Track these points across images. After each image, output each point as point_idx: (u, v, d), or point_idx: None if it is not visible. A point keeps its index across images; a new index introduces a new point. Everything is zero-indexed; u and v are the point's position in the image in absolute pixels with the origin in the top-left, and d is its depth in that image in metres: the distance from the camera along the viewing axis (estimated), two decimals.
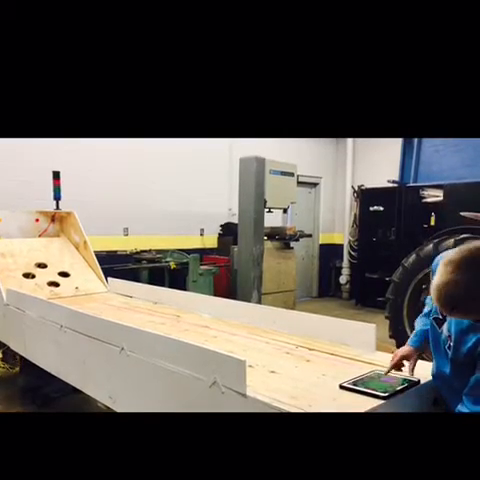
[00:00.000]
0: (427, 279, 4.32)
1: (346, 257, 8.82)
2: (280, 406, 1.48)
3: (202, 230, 7.03)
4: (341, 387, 1.66)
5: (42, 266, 3.97)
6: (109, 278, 4.16)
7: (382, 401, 1.53)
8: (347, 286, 8.84)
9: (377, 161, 8.37)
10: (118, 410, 2.24)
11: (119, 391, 2.23)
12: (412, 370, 1.71)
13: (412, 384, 1.65)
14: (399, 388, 1.60)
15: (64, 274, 3.98)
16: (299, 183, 7.06)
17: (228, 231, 6.87)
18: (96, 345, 2.35)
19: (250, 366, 1.87)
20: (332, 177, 9.16)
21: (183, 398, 1.86)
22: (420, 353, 1.73)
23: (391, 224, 7.52)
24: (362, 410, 1.46)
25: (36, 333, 3.01)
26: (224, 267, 6.31)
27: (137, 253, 5.99)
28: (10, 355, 3.90)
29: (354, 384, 1.65)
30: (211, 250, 6.97)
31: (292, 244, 6.73)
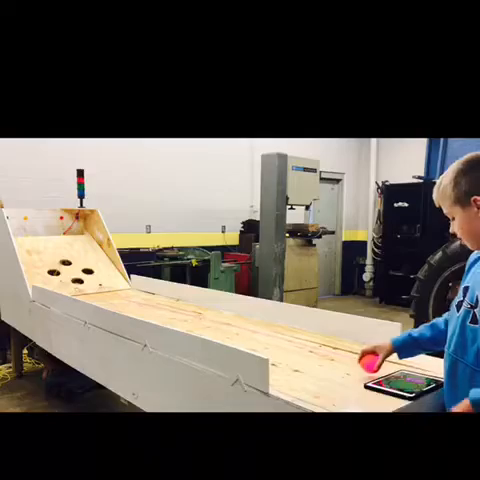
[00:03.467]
0: (454, 277, 4.22)
1: (370, 254, 8.72)
2: (303, 405, 1.46)
3: (223, 227, 7.04)
4: (366, 387, 1.63)
5: (67, 263, 4.03)
6: (132, 275, 4.19)
7: (408, 402, 1.49)
8: (371, 283, 8.74)
9: (402, 156, 8.24)
10: (140, 406, 2.25)
11: (142, 387, 2.24)
12: (379, 366, 1.69)
13: (439, 385, 1.60)
14: (426, 389, 1.56)
15: (88, 271, 4.03)
16: (322, 179, 7.00)
17: (250, 228, 6.86)
18: (119, 342, 2.36)
19: (273, 365, 1.85)
20: (355, 173, 9.05)
21: (205, 396, 1.85)
22: (392, 352, 1.74)
23: (416, 220, 7.40)
24: (388, 411, 1.43)
25: (61, 329, 3.05)
26: (245, 264, 6.30)
27: (159, 250, 6.04)
28: (36, 351, 3.97)
29: (379, 384, 1.62)
30: (233, 247, 6.98)
31: (314, 241, 6.67)
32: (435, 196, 1.46)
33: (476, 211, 1.34)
